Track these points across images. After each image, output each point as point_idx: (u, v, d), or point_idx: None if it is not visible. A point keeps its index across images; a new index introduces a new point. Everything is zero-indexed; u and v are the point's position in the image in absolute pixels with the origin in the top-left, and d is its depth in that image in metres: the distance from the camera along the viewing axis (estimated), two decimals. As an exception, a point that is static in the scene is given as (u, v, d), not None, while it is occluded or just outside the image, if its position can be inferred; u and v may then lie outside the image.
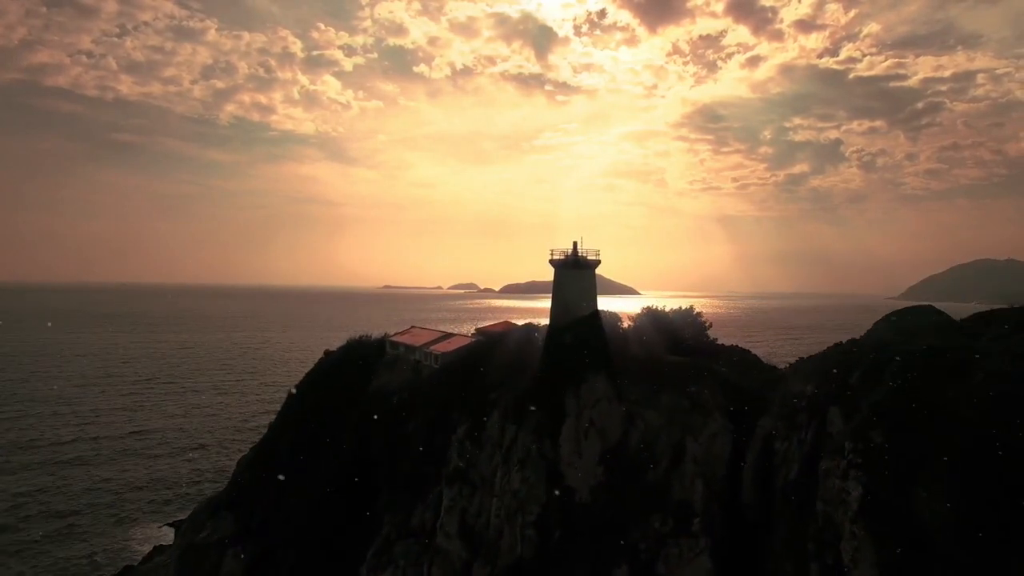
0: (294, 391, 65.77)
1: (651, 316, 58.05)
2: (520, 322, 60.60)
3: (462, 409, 43.37)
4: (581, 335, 41.87)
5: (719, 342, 59.25)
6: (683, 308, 56.91)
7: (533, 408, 38.96)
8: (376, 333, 71.71)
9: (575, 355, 40.46)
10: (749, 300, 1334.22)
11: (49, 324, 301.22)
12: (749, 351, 57.65)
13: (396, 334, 66.02)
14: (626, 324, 54.72)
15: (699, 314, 56.33)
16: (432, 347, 55.82)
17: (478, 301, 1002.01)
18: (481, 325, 66.48)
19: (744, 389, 41.15)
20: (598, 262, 46.13)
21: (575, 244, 46.38)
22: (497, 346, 49.27)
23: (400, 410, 48.55)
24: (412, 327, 68.41)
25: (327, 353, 66.16)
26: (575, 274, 45.05)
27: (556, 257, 46.10)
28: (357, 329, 77.64)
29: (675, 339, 54.65)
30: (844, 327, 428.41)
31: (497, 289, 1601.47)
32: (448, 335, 60.32)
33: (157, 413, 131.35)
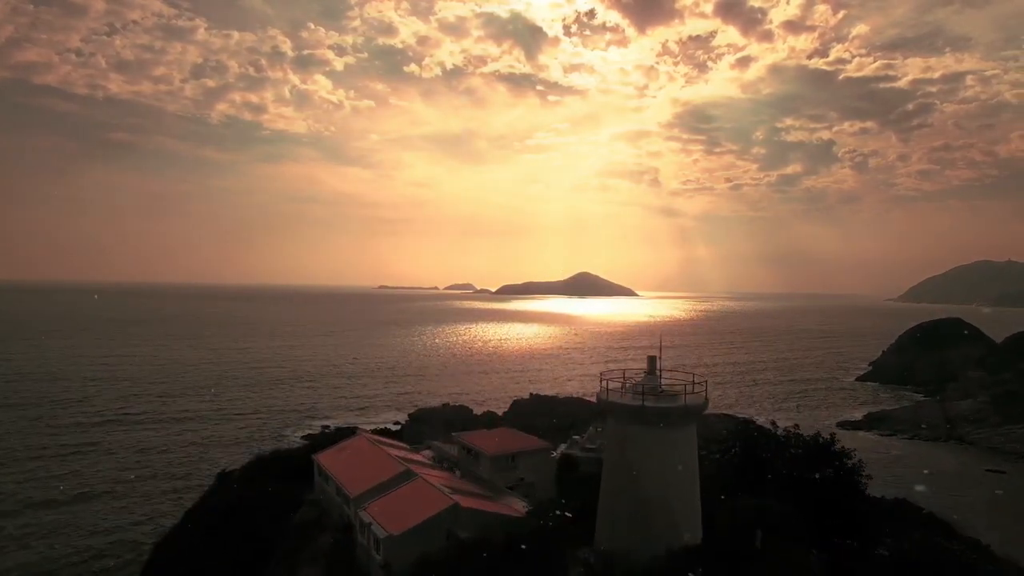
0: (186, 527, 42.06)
1: (754, 448, 34.05)
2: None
3: None
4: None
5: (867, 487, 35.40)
6: (817, 437, 33.01)
7: None
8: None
9: None
10: (747, 301, 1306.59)
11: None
12: (934, 513, 34.27)
13: (331, 449, 41.89)
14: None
15: (844, 451, 32.32)
16: (373, 508, 31.65)
17: (474, 302, 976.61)
18: (462, 434, 42.83)
19: None
20: (704, 404, 22.16)
21: (653, 361, 22.57)
22: (490, 545, 25.14)
23: None
24: (361, 434, 44.08)
25: (222, 480, 42.18)
26: (661, 438, 20.86)
27: (612, 394, 22.03)
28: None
29: (809, 491, 30.95)
30: (864, 334, 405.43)
31: (494, 290, 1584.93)
32: (405, 474, 35.64)
33: (97, 469, 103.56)
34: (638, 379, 22.53)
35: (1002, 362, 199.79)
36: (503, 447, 39.17)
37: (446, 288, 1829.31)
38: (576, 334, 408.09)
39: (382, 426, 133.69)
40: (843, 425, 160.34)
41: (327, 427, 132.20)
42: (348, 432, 45.43)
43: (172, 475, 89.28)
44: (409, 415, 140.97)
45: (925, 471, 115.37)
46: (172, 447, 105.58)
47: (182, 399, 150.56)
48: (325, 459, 39.54)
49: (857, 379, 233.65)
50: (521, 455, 38.82)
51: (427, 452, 43.95)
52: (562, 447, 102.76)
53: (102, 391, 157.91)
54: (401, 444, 43.45)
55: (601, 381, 22.28)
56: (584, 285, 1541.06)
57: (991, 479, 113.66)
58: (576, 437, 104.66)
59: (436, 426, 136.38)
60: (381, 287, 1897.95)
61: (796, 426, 34.84)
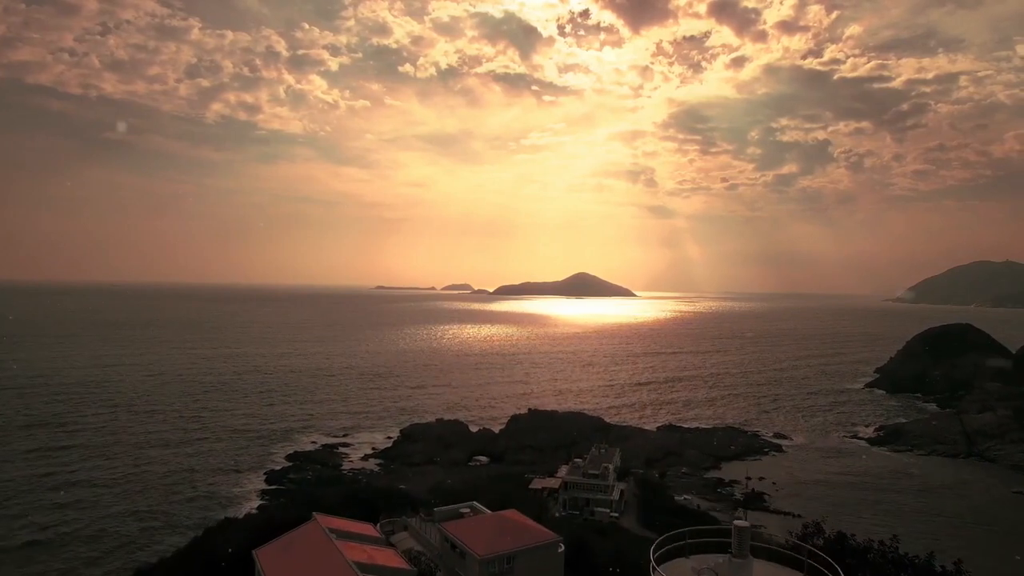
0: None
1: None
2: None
3: None
4: None
5: None
6: (931, 561, 24.35)
7: None
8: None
9: None
10: (744, 302, 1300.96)
11: None
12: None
13: (276, 543, 33.07)
14: None
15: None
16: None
17: (472, 303, 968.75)
18: (446, 521, 33.79)
19: None
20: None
21: (743, 537, 13.66)
22: None
23: None
24: (316, 520, 34.99)
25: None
26: None
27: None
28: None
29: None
30: (866, 337, 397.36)
31: (491, 290, 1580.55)
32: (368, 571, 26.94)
33: (44, 511, 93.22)
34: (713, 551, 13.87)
35: (1022, 373, 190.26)
36: (496, 545, 30.34)
37: (444, 288, 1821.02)
38: (575, 338, 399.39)
39: (371, 446, 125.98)
40: (857, 439, 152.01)
41: (315, 443, 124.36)
42: (305, 515, 36.27)
43: (129, 520, 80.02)
44: (401, 431, 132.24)
45: (953, 496, 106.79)
46: (138, 480, 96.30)
47: (166, 414, 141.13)
48: (266, 558, 30.75)
49: (865, 386, 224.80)
50: (520, 555, 30.14)
51: (403, 535, 35.23)
52: (563, 470, 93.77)
53: (85, 404, 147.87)
54: (366, 529, 34.50)
55: (653, 556, 13.50)
56: (582, 285, 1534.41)
57: (1021, 504, 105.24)
58: (578, 460, 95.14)
59: (429, 443, 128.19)
60: (379, 287, 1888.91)
61: (894, 537, 26.36)
